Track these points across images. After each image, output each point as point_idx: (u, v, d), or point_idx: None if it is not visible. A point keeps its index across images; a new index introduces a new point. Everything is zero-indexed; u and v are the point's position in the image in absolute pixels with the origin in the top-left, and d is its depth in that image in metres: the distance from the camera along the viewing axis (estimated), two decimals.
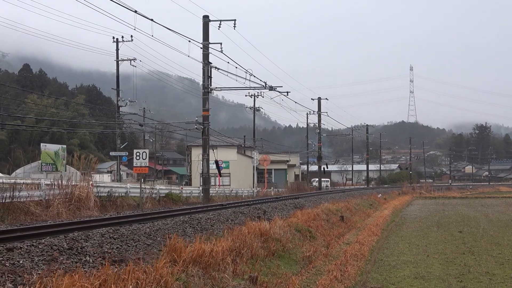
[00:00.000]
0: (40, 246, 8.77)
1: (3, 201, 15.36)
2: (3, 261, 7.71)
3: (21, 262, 7.85)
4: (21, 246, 8.56)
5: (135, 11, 19.48)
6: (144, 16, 19.99)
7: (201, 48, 26.51)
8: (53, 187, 17.92)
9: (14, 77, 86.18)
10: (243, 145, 66.45)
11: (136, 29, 21.31)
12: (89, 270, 7.85)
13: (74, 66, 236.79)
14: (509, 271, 11.71)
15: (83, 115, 72.41)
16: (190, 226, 13.90)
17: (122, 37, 40.14)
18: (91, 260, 8.71)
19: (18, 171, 37.43)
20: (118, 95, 40.22)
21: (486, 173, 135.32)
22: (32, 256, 8.23)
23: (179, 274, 8.44)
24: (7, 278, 7.03)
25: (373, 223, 22.79)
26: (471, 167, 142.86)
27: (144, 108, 49.09)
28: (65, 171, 34.88)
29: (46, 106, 67.09)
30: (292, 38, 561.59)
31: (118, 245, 10.12)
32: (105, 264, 7.74)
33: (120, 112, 41.41)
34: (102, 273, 7.29)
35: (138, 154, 22.64)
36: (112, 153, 44.35)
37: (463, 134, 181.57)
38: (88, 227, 11.43)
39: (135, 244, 10.62)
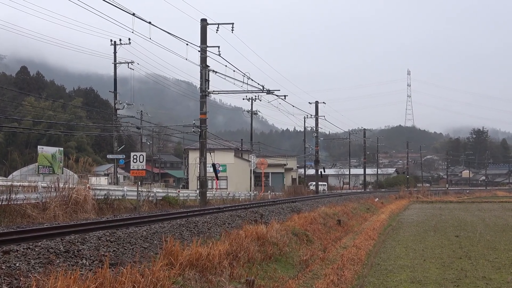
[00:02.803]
0: (36, 249, 8.74)
1: (0, 203, 15.32)
2: None
3: (17, 265, 7.83)
4: (18, 249, 8.53)
5: (133, 14, 19.45)
6: (142, 19, 19.99)
7: (198, 51, 26.53)
8: (50, 189, 17.89)
9: (12, 80, 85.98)
10: (240, 149, 66.39)
11: (134, 31, 21.29)
12: (85, 273, 7.83)
13: (72, 69, 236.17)
14: (506, 275, 11.72)
15: (80, 118, 72.29)
16: (187, 229, 13.88)
17: (120, 39, 40.17)
18: (87, 263, 8.68)
19: (15, 173, 37.42)
20: (115, 97, 40.20)
21: (483, 177, 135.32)
22: (29, 259, 8.20)
23: (176, 278, 8.44)
24: (3, 281, 7.01)
25: (370, 227, 22.80)
26: (468, 171, 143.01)
27: (141, 111, 49.19)
28: (62, 173, 34.89)
29: (43, 109, 66.99)
30: (290, 42, 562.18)
31: (115, 248, 10.10)
32: (101, 267, 7.72)
33: (118, 115, 41.41)
34: (98, 276, 7.27)
35: (135, 157, 22.64)
36: (109, 156, 44.38)
37: (460, 139, 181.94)
38: (85, 230, 11.41)
39: (132, 247, 10.60)
